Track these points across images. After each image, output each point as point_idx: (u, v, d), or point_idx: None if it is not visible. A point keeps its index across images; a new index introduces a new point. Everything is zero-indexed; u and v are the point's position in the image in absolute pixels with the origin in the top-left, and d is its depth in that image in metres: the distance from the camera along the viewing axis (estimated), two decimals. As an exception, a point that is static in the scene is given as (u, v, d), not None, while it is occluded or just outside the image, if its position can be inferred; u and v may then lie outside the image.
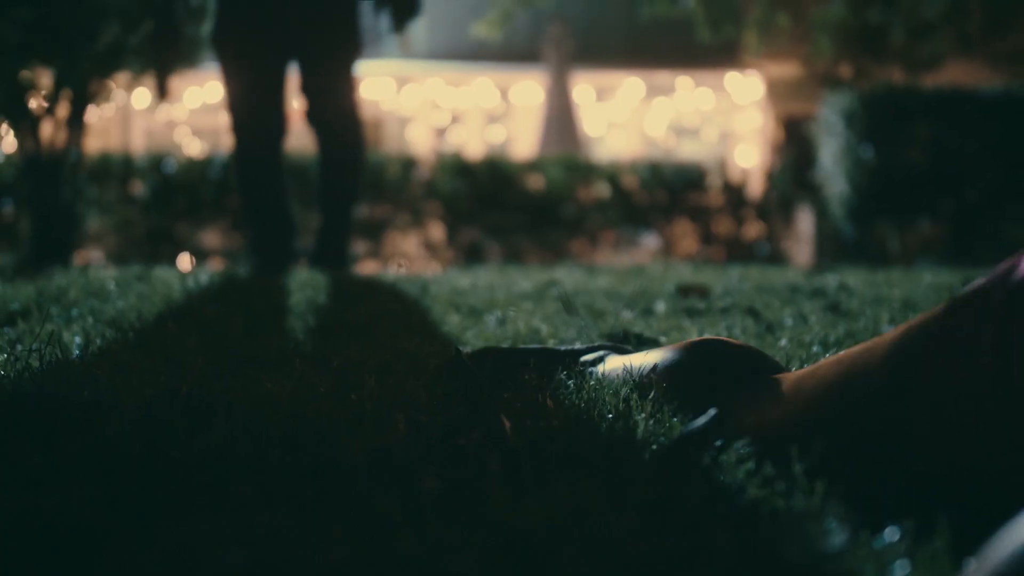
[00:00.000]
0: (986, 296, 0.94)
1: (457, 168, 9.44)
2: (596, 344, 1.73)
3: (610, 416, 1.27)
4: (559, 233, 9.52)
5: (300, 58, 4.27)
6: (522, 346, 1.78)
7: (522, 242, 9.41)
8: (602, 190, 9.73)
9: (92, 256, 8.31)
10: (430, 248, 9.42)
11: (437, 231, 9.47)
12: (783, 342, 2.02)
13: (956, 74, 11.07)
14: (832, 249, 8.95)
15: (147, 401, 1.25)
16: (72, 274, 3.56)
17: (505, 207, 9.40)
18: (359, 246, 9.14)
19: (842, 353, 1.14)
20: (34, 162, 5.98)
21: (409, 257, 9.23)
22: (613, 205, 9.67)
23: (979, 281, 0.98)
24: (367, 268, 6.95)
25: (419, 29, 15.49)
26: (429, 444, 1.13)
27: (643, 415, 1.23)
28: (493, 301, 2.88)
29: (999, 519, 0.78)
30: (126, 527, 0.85)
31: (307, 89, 4.28)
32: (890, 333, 1.07)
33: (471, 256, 9.10)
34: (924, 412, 0.97)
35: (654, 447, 1.12)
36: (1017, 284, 0.91)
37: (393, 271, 5.24)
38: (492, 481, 0.98)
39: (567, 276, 4.28)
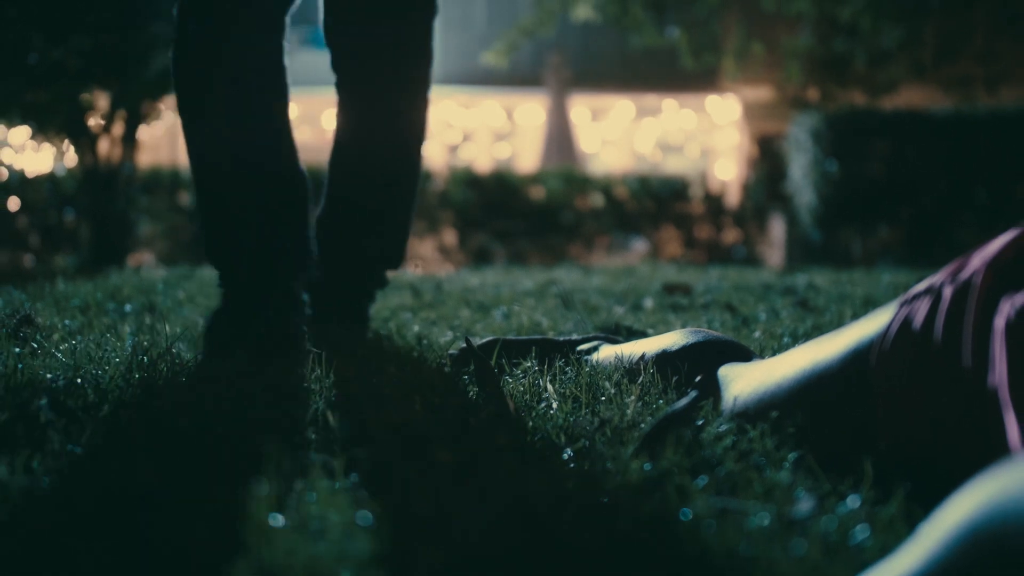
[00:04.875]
0: (937, 292, 0.94)
1: (468, 180, 9.44)
2: (591, 335, 1.73)
3: (603, 398, 1.27)
4: (558, 238, 9.52)
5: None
6: (525, 336, 1.78)
7: (525, 246, 9.40)
8: (597, 200, 9.72)
9: (144, 258, 8.31)
10: (444, 251, 9.42)
11: (450, 236, 9.47)
12: (757, 334, 2.02)
13: (911, 97, 11.05)
14: (801, 252, 8.93)
15: (191, 383, 1.25)
16: (126, 274, 3.57)
17: (510, 215, 9.40)
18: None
19: (811, 342, 1.14)
20: (92, 175, 6.00)
21: (425, 259, 9.23)
22: (606, 213, 9.67)
23: (931, 278, 0.98)
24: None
25: (435, 57, 15.46)
26: (443, 422, 1.13)
27: (632, 397, 1.23)
28: (499, 298, 2.88)
29: (950, 488, 0.78)
30: (179, 493, 0.86)
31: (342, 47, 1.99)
32: (853, 324, 1.07)
33: (480, 258, 9.09)
34: (882, 395, 0.97)
35: (642, 425, 1.12)
36: (964, 282, 0.91)
37: (411, 271, 5.24)
38: (498, 453, 0.98)
39: (565, 276, 4.28)
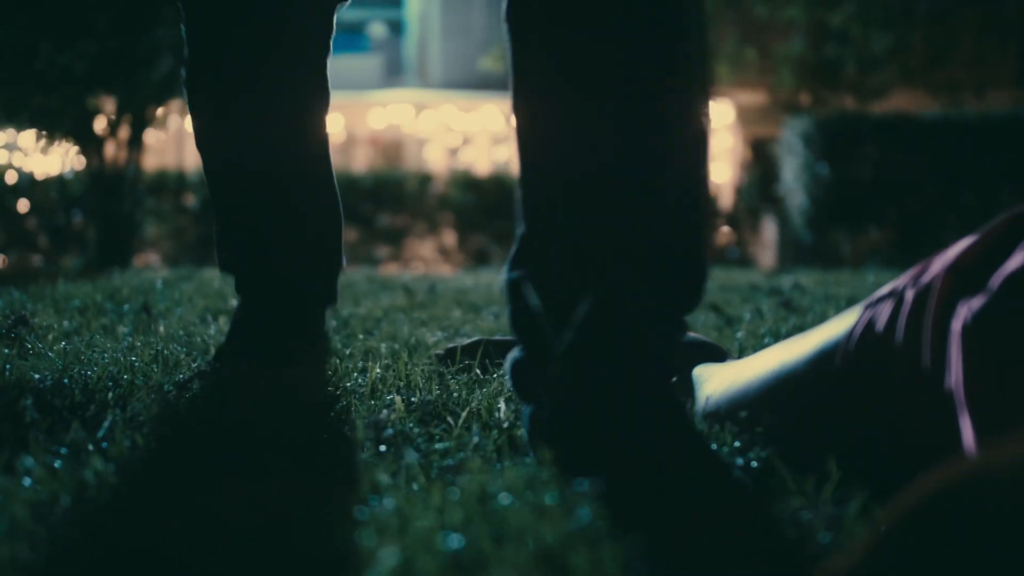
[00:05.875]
0: (900, 295, 0.94)
1: (467, 183, 9.45)
2: (575, 335, 1.73)
3: (581, 398, 1.27)
4: (555, 239, 9.52)
5: None
6: (511, 337, 1.78)
7: (523, 247, 9.40)
8: (593, 202, 9.73)
9: (149, 259, 8.32)
10: (443, 252, 9.42)
11: (450, 238, 9.47)
12: (740, 334, 2.02)
13: (900, 101, 11.04)
14: (793, 253, 8.93)
15: (175, 381, 1.25)
16: (127, 274, 3.57)
17: (509, 217, 9.36)
18: (382, 251, 9.14)
19: (782, 343, 1.14)
20: (99, 178, 6.01)
21: (425, 260, 9.23)
22: (602, 215, 9.68)
23: (894, 282, 0.98)
24: (388, 269, 6.95)
25: (436, 62, 15.49)
26: (423, 420, 1.13)
27: (609, 397, 1.23)
28: (491, 298, 2.88)
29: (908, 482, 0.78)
30: (163, 491, 0.86)
31: None
32: (821, 326, 1.07)
33: (479, 259, 9.09)
34: (847, 394, 0.97)
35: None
36: (925, 285, 0.91)
37: (409, 273, 5.23)
38: (472, 452, 0.98)
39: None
